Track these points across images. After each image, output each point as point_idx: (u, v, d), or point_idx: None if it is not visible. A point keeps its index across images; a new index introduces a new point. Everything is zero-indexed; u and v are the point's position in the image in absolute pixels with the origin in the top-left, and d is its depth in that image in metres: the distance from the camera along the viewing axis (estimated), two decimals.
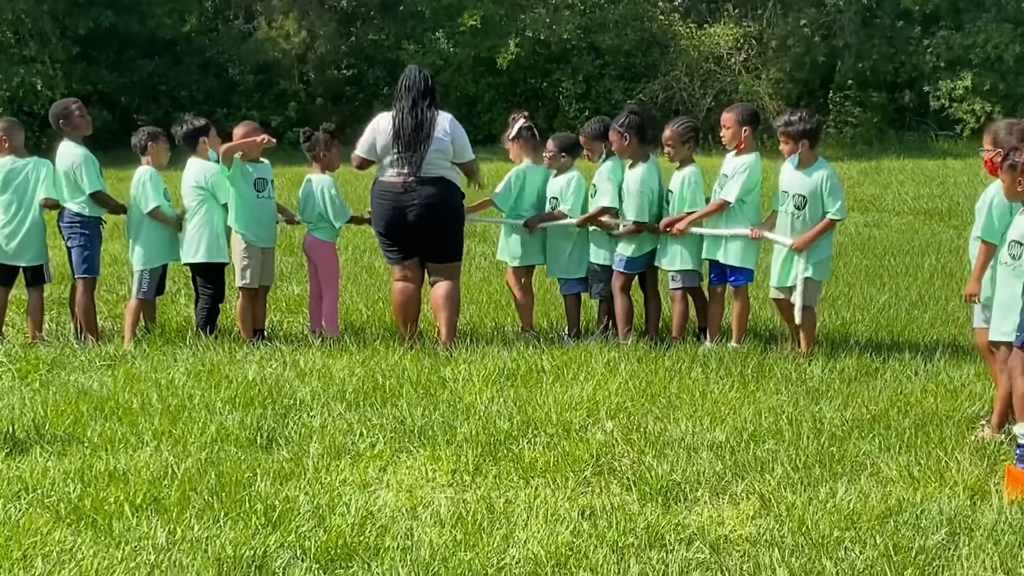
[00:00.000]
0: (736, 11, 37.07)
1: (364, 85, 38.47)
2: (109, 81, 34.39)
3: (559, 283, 10.04)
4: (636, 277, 9.73)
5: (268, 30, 36.82)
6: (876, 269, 13.29)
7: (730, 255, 9.35)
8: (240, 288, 9.55)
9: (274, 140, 9.54)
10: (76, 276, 9.74)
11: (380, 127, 9.17)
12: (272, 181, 9.83)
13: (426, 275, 9.42)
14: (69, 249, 9.77)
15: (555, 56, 37.16)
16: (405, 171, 9.06)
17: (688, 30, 37.22)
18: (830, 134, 35.73)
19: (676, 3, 37.85)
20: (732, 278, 9.39)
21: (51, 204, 9.76)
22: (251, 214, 9.55)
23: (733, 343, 9.31)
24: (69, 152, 9.72)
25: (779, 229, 9.19)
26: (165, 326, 9.86)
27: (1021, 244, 6.93)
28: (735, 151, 9.47)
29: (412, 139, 9.00)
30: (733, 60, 36.81)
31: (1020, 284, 6.84)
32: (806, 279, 9.01)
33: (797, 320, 9.08)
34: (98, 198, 9.72)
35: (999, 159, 7.23)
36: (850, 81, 36.27)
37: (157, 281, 9.83)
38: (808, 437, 6.94)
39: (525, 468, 6.46)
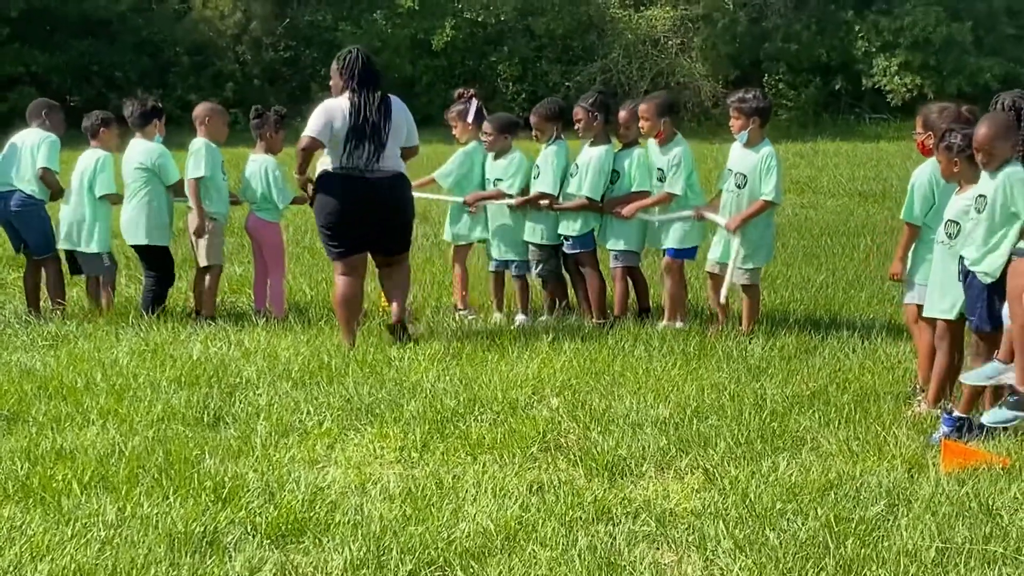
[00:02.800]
0: None
1: (301, 66, 38.38)
2: (41, 62, 34.01)
3: (509, 265, 10.06)
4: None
5: (203, 10, 36.54)
6: (813, 250, 13.48)
7: (671, 239, 9.44)
8: (212, 266, 9.65)
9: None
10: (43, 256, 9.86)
11: (335, 112, 8.53)
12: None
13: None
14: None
15: (492, 38, 37.29)
16: (363, 163, 8.54)
17: (626, 14, 37.40)
18: None
19: None
20: (670, 253, 9.49)
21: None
22: (221, 195, 9.69)
23: (666, 322, 9.42)
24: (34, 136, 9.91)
25: (723, 207, 9.27)
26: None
27: (957, 223, 7.06)
28: (657, 142, 9.52)
29: (376, 130, 8.49)
30: (670, 43, 37.04)
31: (955, 263, 7.00)
32: (741, 267, 9.14)
33: (721, 299, 9.21)
34: (48, 177, 9.78)
35: (931, 141, 7.38)
36: (782, 64, 36.61)
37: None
38: (750, 413, 7.04)
39: (472, 445, 6.49)
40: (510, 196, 9.77)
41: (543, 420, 6.91)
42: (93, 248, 9.75)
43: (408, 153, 8.94)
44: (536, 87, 35.29)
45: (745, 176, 9.13)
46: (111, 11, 35.63)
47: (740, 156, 9.25)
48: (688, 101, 35.37)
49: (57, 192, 9.91)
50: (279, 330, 9.11)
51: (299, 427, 6.80)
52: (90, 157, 9.78)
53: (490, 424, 6.88)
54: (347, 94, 8.54)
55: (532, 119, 9.86)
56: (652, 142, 9.59)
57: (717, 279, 9.34)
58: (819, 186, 20.43)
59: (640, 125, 9.52)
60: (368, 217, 8.64)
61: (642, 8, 37.45)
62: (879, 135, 32.90)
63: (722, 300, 9.22)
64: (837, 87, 37.12)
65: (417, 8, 35.59)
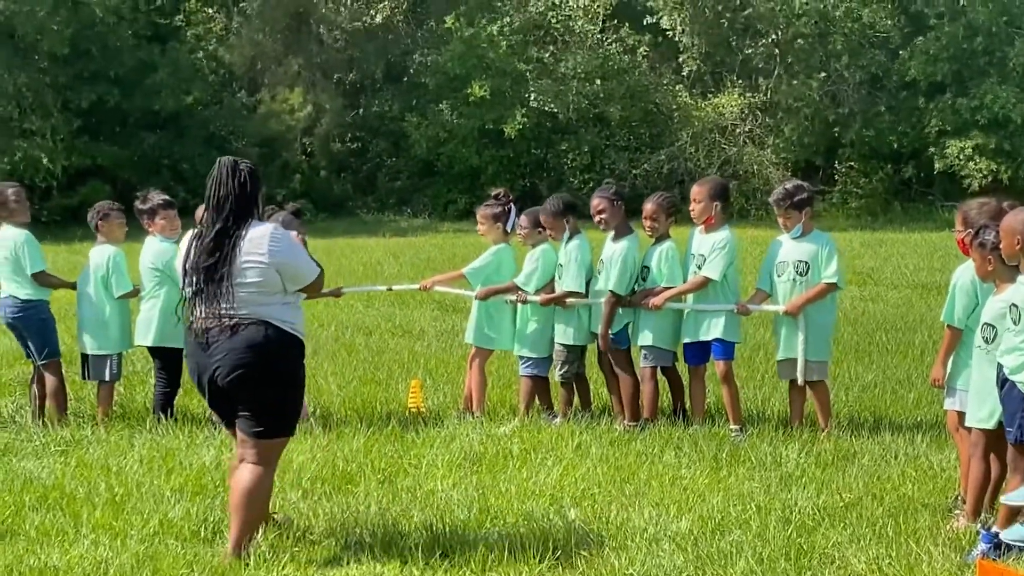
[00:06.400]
0: (740, 81, 37.09)
1: (368, 157, 38.60)
2: (110, 155, 34.47)
3: (521, 364, 9.79)
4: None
5: (272, 103, 36.99)
6: (865, 346, 13.04)
7: (712, 330, 9.12)
8: None
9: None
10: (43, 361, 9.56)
11: (183, 247, 6.39)
12: None
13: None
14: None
15: (561, 127, 37.21)
16: (204, 314, 6.13)
17: (693, 101, 37.27)
18: (835, 204, 35.66)
19: (683, 74, 37.88)
20: (716, 353, 9.16)
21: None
22: None
23: (733, 426, 9.09)
24: (10, 235, 9.55)
25: (781, 299, 9.05)
26: (126, 408, 9.65)
27: (993, 327, 6.69)
28: (703, 227, 9.26)
29: (209, 269, 6.08)
30: (738, 130, 36.82)
31: (993, 369, 6.61)
32: (812, 360, 8.90)
33: (800, 380, 8.96)
34: (41, 279, 9.55)
35: (970, 239, 7.04)
36: (853, 151, 36.21)
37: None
38: (776, 527, 6.68)
39: (478, 562, 6.20)
40: (524, 291, 9.55)
41: (557, 533, 6.59)
42: (102, 351, 9.57)
43: (308, 290, 6.54)
44: (603, 176, 35.08)
45: (807, 263, 8.93)
46: (180, 104, 36.12)
47: (794, 246, 9.03)
48: (757, 190, 35.06)
49: (57, 284, 9.74)
50: (299, 434, 8.87)
51: (299, 542, 6.52)
52: (100, 255, 9.56)
53: (499, 538, 6.57)
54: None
55: (541, 218, 9.62)
56: (697, 230, 9.31)
57: (796, 385, 9.07)
58: (881, 277, 19.95)
59: (691, 208, 9.29)
60: (214, 388, 6.27)
61: (710, 96, 37.32)
62: (950, 223, 32.29)
63: (800, 381, 8.96)
64: (907, 175, 36.59)
65: (488, 98, 35.71)
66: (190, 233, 6.35)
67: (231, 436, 6.47)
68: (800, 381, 8.97)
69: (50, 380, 9.54)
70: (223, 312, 6.03)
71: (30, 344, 9.50)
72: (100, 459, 8.23)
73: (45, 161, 32.41)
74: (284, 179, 36.34)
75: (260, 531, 6.37)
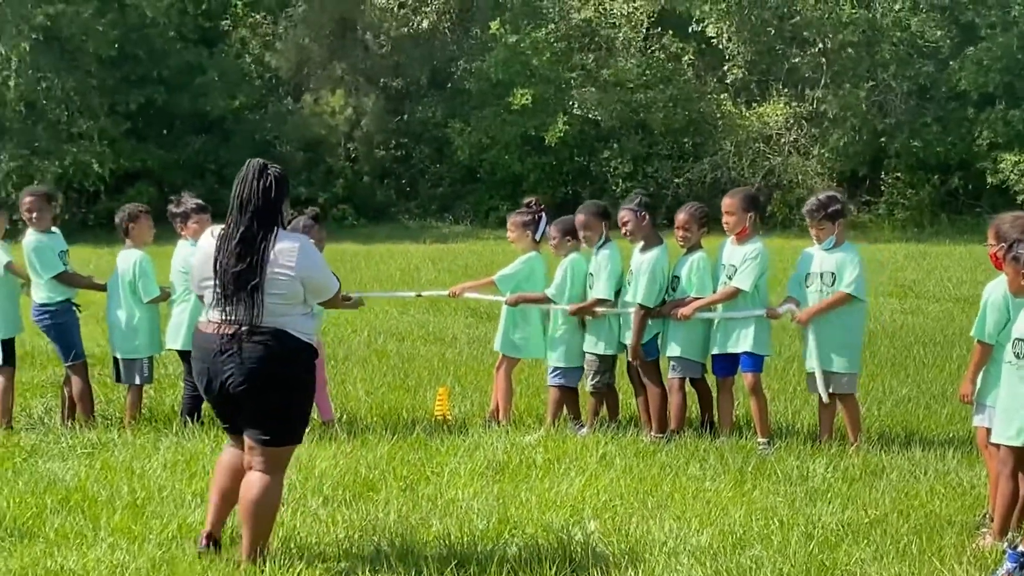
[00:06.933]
0: (786, 90, 36.84)
1: (411, 163, 38.64)
2: (157, 158, 34.71)
3: (549, 373, 9.72)
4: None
5: (314, 106, 37.10)
6: (901, 359, 12.86)
7: (742, 342, 9.03)
8: None
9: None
10: (69, 363, 9.62)
11: (201, 246, 6.36)
12: None
13: None
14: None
15: (604, 135, 37.09)
16: (224, 319, 6.04)
17: (738, 110, 37.05)
18: (880, 216, 35.32)
19: (728, 83, 37.68)
20: (745, 365, 9.07)
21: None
22: None
23: (761, 437, 8.99)
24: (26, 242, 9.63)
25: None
26: (154, 411, 9.66)
27: None
28: (735, 237, 9.17)
29: (238, 276, 5.98)
30: (783, 140, 36.55)
31: (1023, 385, 6.50)
32: (837, 372, 8.83)
33: (824, 398, 8.91)
34: (64, 279, 9.59)
35: (1003, 253, 6.92)
36: (900, 162, 35.82)
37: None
38: (798, 543, 6.58)
39: (493, 573, 6.14)
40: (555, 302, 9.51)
41: (575, 545, 6.52)
42: (131, 355, 9.58)
43: (327, 305, 7.00)
44: (646, 184, 34.96)
45: (833, 275, 8.85)
46: (226, 108, 36.31)
47: (824, 258, 8.96)
48: (801, 200, 34.69)
49: (81, 284, 9.79)
50: (323, 440, 8.85)
51: (315, 549, 6.49)
52: (127, 259, 9.56)
53: (516, 549, 6.51)
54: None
55: (579, 218, 9.52)
56: (728, 240, 9.22)
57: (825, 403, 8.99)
58: (923, 290, 19.71)
59: (724, 220, 9.18)
60: (225, 394, 6.23)
61: (754, 104, 37.07)
62: None
63: (824, 398, 8.89)
64: (954, 186, 36.14)
65: (530, 105, 35.63)
66: (211, 232, 6.30)
67: (230, 438, 6.40)
68: (823, 395, 8.87)
69: (76, 382, 9.58)
70: (243, 319, 5.99)
71: (55, 347, 9.57)
72: (124, 462, 8.24)
73: (95, 166, 32.66)
74: (328, 184, 36.43)
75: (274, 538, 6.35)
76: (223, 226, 6.14)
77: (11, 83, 31.90)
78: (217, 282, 6.03)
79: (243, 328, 5.96)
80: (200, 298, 6.40)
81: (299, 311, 6.13)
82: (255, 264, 5.96)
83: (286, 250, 6.04)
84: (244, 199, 6.03)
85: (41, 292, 9.55)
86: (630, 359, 9.31)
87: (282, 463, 6.21)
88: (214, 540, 6.29)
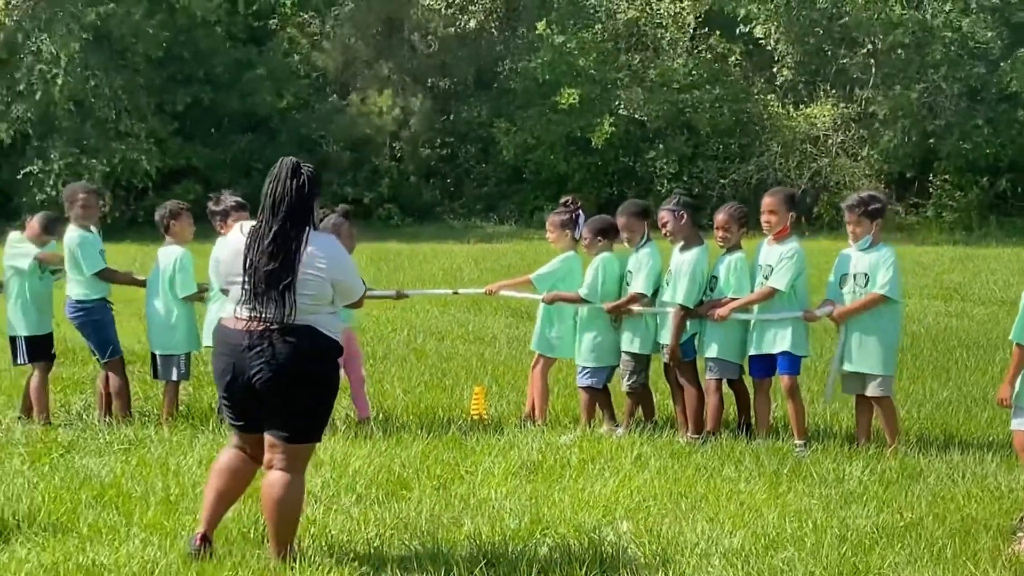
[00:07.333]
0: (834, 91, 36.61)
1: (457, 163, 38.67)
2: (204, 156, 34.96)
3: (578, 374, 9.71)
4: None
5: (361, 106, 37.21)
6: (944, 363, 12.74)
7: (779, 342, 8.98)
8: None
9: None
10: (105, 360, 9.70)
11: (230, 241, 6.34)
12: None
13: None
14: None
15: (649, 135, 37.00)
16: (253, 316, 6.02)
17: (785, 111, 36.86)
18: (928, 218, 35.03)
19: (776, 83, 37.49)
20: (782, 367, 9.01)
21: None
22: None
23: (798, 440, 8.95)
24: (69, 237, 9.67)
25: None
26: (192, 408, 9.72)
27: None
28: (772, 237, 9.11)
29: (271, 275, 5.96)
30: (830, 141, 36.33)
31: None
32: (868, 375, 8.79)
33: (827, 397, 9.09)
34: (106, 276, 9.67)
35: None
36: (949, 164, 35.49)
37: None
38: (831, 545, 6.54)
39: (522, 572, 6.14)
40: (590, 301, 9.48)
41: (606, 546, 6.51)
42: (168, 350, 9.65)
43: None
44: (692, 184, 34.87)
45: (867, 275, 8.78)
46: (272, 107, 36.49)
47: (860, 258, 8.87)
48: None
49: (122, 281, 9.88)
50: (358, 438, 8.88)
51: (346, 547, 6.51)
52: (168, 255, 9.62)
53: (547, 549, 6.50)
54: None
55: (620, 220, 9.50)
56: (765, 240, 9.18)
57: (863, 401, 8.94)
58: (969, 293, 19.52)
59: (764, 219, 9.13)
60: (251, 390, 6.18)
61: (802, 105, 36.86)
62: None
63: (827, 398, 8.94)
64: (1003, 188, 35.77)
65: (576, 105, 35.59)
66: (240, 227, 6.30)
67: (235, 437, 6.37)
68: (827, 395, 8.99)
69: (113, 379, 9.65)
70: (274, 317, 6.01)
71: (91, 343, 9.64)
72: (160, 458, 8.30)
73: (143, 163, 32.95)
74: (373, 183, 36.54)
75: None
76: (253, 223, 6.16)
77: (59, 81, 32.20)
78: (247, 279, 6.05)
79: (274, 326, 5.98)
80: (223, 291, 6.42)
81: (327, 310, 6.16)
82: (287, 263, 5.98)
83: (318, 252, 6.06)
84: (277, 197, 6.03)
85: (78, 288, 9.60)
86: (667, 360, 9.27)
87: (303, 460, 6.22)
88: (207, 541, 6.29)
